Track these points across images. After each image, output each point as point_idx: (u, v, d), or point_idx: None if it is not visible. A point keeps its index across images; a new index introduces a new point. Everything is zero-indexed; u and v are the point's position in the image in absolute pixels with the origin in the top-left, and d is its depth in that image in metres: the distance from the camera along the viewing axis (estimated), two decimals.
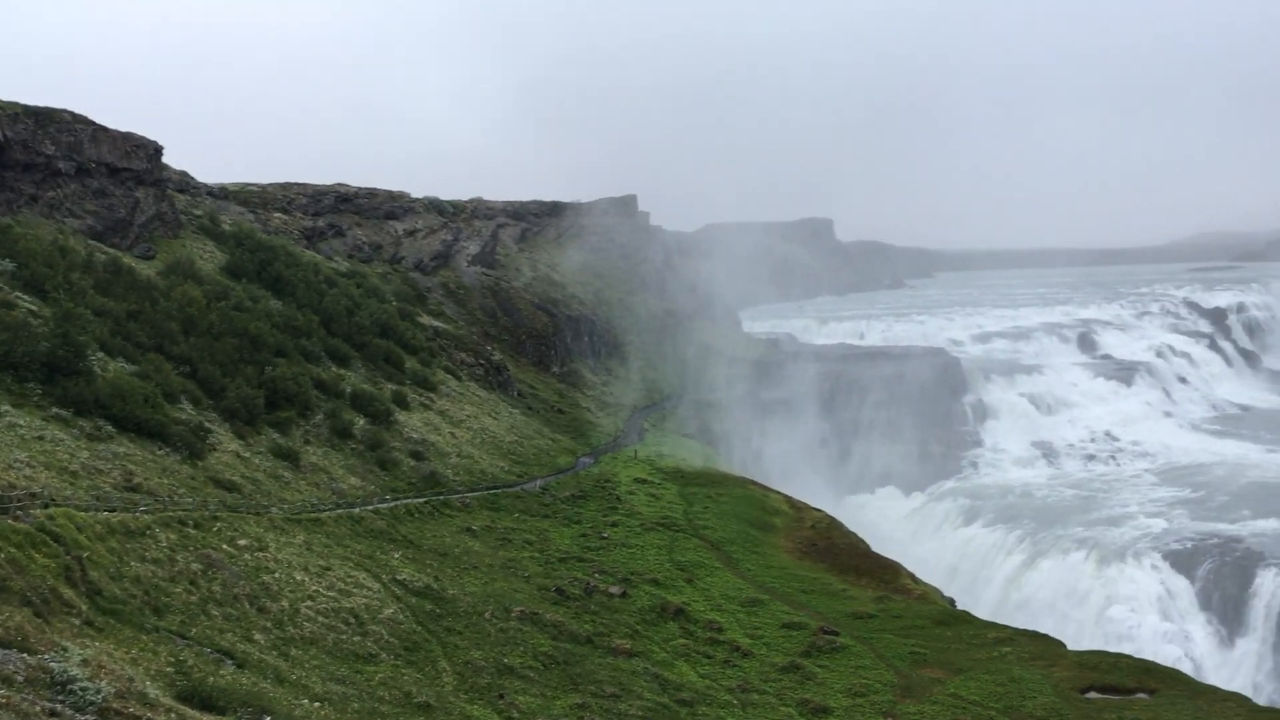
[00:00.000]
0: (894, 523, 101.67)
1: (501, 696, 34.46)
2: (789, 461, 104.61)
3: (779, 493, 75.76)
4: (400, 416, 64.85)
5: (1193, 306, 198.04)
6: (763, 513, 68.03)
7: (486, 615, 40.62)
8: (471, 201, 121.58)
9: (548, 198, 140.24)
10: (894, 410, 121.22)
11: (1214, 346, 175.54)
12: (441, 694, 33.48)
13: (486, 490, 60.85)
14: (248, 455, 50.14)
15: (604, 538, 56.83)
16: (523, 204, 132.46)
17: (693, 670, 41.48)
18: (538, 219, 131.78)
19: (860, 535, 67.78)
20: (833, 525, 67.55)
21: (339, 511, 47.97)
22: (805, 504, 73.29)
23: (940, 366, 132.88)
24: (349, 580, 39.41)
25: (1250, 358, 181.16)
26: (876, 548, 66.06)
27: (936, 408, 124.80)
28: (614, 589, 48.40)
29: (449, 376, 77.89)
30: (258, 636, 32.48)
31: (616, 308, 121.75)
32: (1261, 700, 63.53)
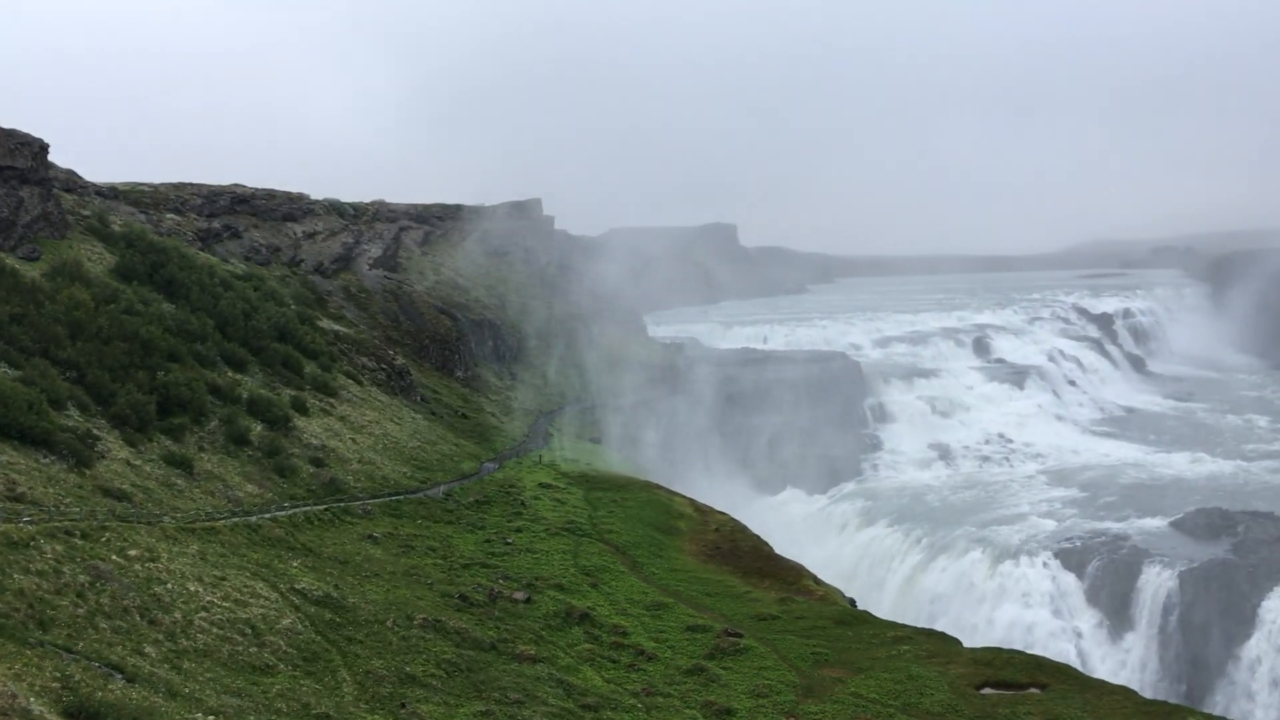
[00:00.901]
0: (797, 525, 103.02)
1: (403, 706, 33.99)
2: (694, 465, 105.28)
3: (684, 496, 76.12)
4: (300, 422, 63.56)
5: (1081, 312, 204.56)
6: (668, 516, 68.25)
7: (388, 623, 40.02)
8: (373, 204, 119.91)
9: (451, 200, 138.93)
10: (796, 413, 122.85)
11: (1102, 351, 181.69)
12: (341, 704, 32.89)
13: (389, 497, 59.97)
14: (138, 463, 48.65)
15: (508, 543, 56.45)
16: (426, 206, 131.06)
17: (597, 675, 41.42)
18: (441, 222, 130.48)
19: (764, 538, 68.36)
20: (737, 528, 68.06)
21: (235, 520, 46.79)
22: (710, 507, 73.73)
23: (841, 370, 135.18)
24: (245, 590, 38.47)
25: (1135, 362, 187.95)
26: (780, 550, 66.73)
27: (838, 411, 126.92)
28: (518, 595, 48.11)
29: (350, 381, 76.65)
30: (149, 649, 31.52)
31: (521, 312, 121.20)
32: (1147, 692, 65.83)
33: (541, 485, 70.31)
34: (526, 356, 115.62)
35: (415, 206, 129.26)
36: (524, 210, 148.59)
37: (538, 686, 38.14)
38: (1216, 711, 67.02)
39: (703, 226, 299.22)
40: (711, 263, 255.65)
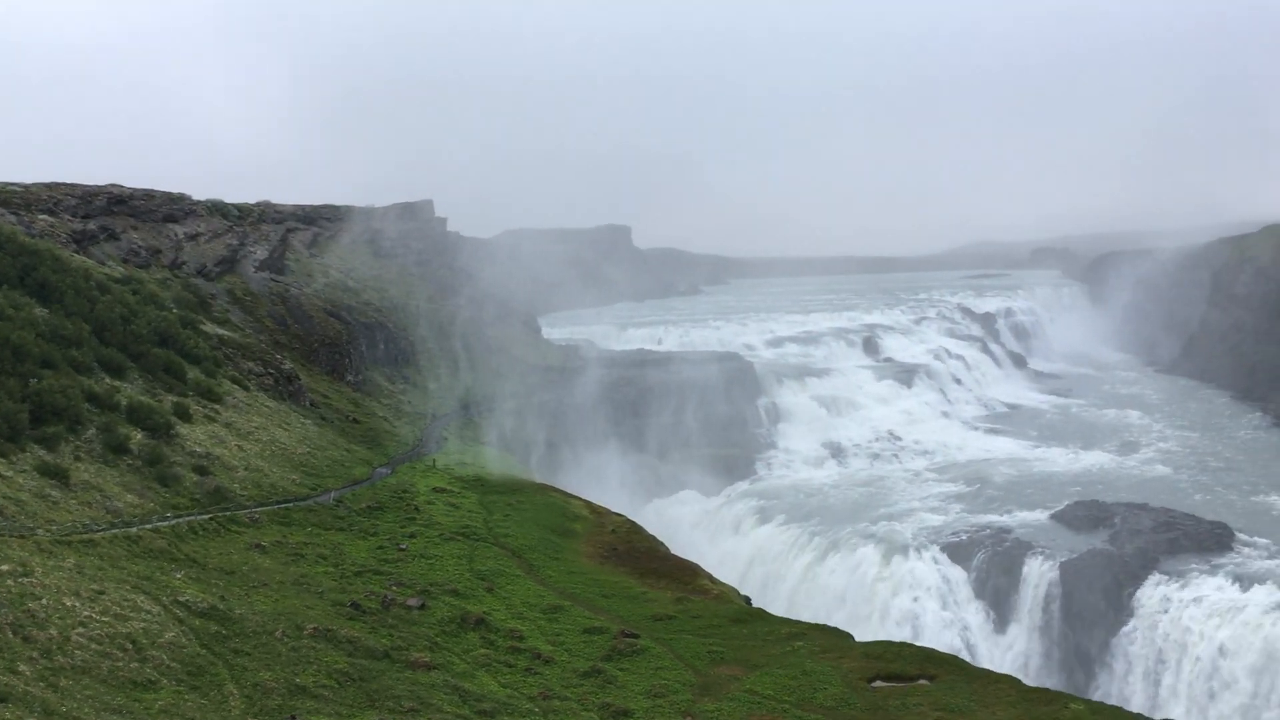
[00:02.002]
0: (693, 525, 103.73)
1: (294, 717, 33.20)
2: (589, 467, 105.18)
3: (580, 499, 76.04)
4: (182, 430, 61.61)
5: (966, 312, 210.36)
6: (563, 519, 68.07)
7: (277, 634, 39.02)
8: (259, 205, 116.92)
9: (341, 201, 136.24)
10: (691, 414, 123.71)
11: (985, 349, 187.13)
12: (228, 718, 31.97)
13: (277, 504, 58.53)
14: (10, 474, 46.58)
15: (402, 549, 55.59)
16: (314, 207, 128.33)
17: (494, 680, 41.04)
18: (330, 223, 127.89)
19: (660, 538, 68.72)
20: (633, 529, 68.21)
21: (114, 531, 45.15)
22: (606, 509, 73.78)
23: (735, 371, 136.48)
24: (125, 604, 37.14)
25: (1017, 359, 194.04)
26: (676, 550, 67.11)
27: (732, 411, 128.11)
28: (412, 601, 47.40)
29: (236, 387, 74.57)
30: (23, 668, 30.25)
31: (413, 315, 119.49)
32: (1030, 680, 67.83)
33: (435, 490, 69.43)
34: (420, 360, 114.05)
35: (302, 207, 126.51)
36: (415, 212, 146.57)
37: (433, 694, 37.61)
38: (1096, 697, 69.55)
39: (597, 228, 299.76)
40: (606, 265, 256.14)
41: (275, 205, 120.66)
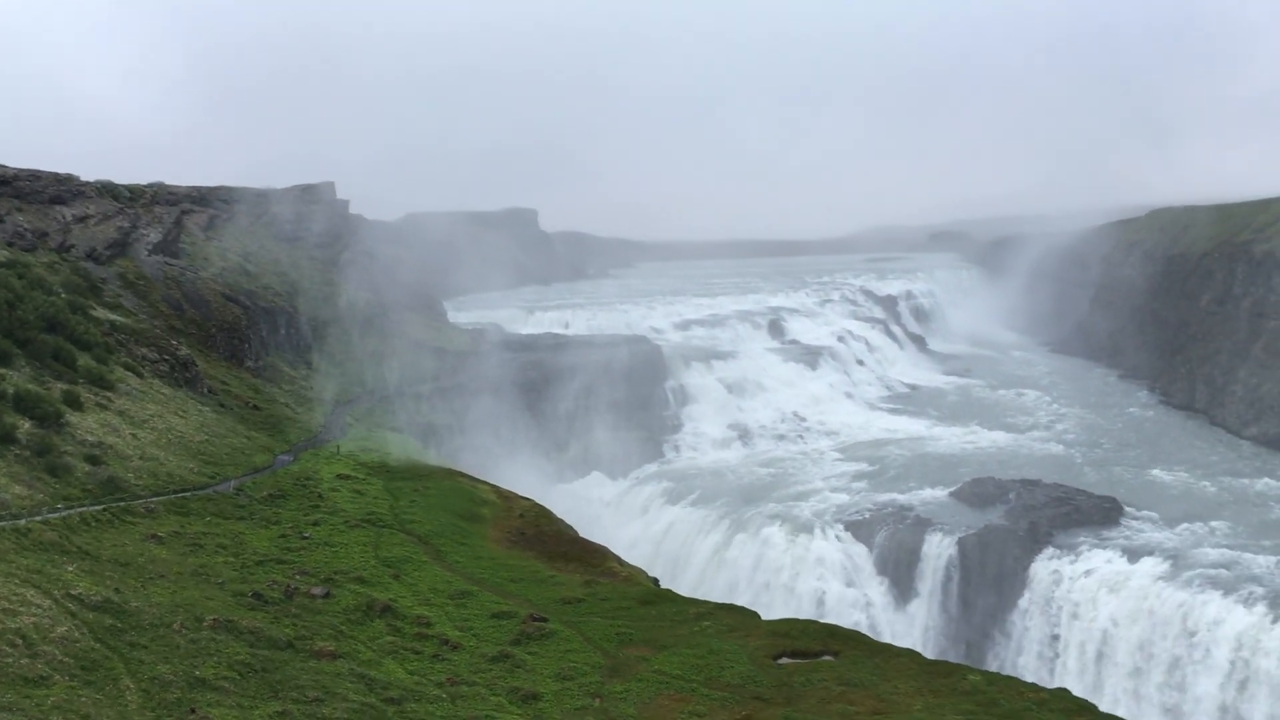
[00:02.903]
0: (602, 508, 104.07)
1: (193, 711, 32.47)
2: (497, 451, 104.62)
3: (488, 483, 75.56)
4: (73, 418, 59.58)
5: (868, 294, 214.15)
6: (471, 504, 67.59)
7: (175, 626, 38.08)
8: (152, 186, 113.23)
9: (238, 183, 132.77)
10: (599, 397, 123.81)
11: (887, 331, 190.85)
12: (125, 713, 31.15)
13: (174, 494, 56.99)
14: None
15: (305, 538, 54.63)
16: (210, 189, 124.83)
17: (401, 667, 40.65)
18: (227, 205, 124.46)
19: (569, 522, 68.72)
20: (541, 514, 68.06)
21: (1, 524, 43.53)
22: (514, 493, 73.46)
23: (643, 354, 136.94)
24: (14, 598, 35.87)
25: (918, 341, 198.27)
26: (585, 533, 67.22)
27: (640, 394, 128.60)
28: (316, 590, 46.64)
29: (129, 374, 72.32)
30: None
31: (315, 299, 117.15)
32: (930, 653, 69.66)
33: (340, 477, 68.37)
34: (322, 345, 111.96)
35: (198, 189, 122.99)
36: (316, 194, 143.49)
37: (338, 683, 37.12)
38: (993, 668, 71.67)
39: (504, 211, 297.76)
40: (513, 248, 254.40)
41: (169, 186, 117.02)
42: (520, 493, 75.14)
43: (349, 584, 48.56)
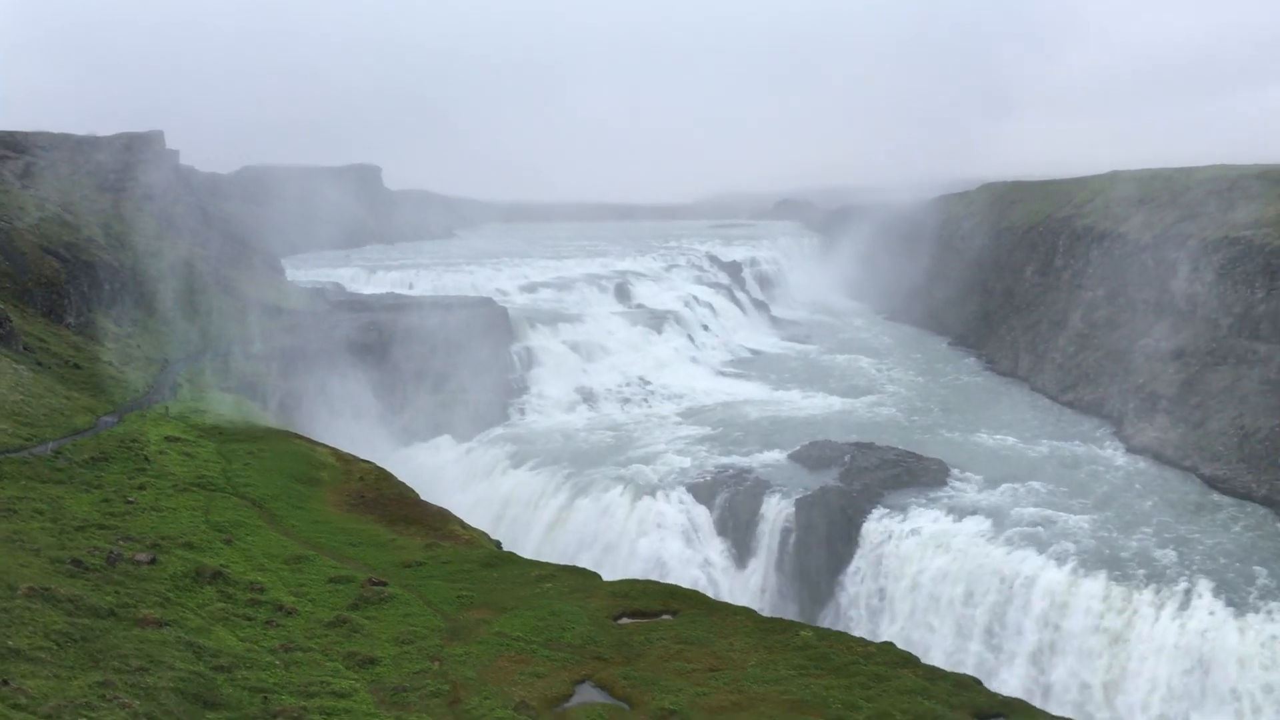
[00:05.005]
0: (445, 471, 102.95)
1: (5, 683, 30.76)
2: (338, 413, 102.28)
3: (326, 446, 73.79)
4: None
5: (714, 260, 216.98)
6: (308, 467, 65.92)
7: None
8: None
9: (58, 129, 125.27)
10: (444, 360, 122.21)
11: (731, 297, 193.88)
12: None
13: None
14: None
15: (130, 502, 52.29)
16: (26, 135, 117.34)
17: (232, 634, 39.45)
18: (45, 152, 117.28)
19: (411, 485, 67.71)
20: (382, 476, 66.91)
21: None
22: (354, 456, 71.99)
23: (489, 316, 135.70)
24: None
25: (761, 307, 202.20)
26: (428, 497, 66.41)
27: (485, 356, 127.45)
28: (141, 556, 44.73)
29: None
30: None
31: (142, 254, 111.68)
32: (767, 611, 71.71)
33: (168, 439, 65.66)
34: (150, 302, 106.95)
35: (12, 134, 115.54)
36: (144, 143, 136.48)
37: (164, 651, 35.76)
38: (826, 624, 74.26)
39: (345, 167, 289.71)
40: (354, 205, 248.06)
41: None
42: (361, 455, 73.67)
43: (177, 550, 46.77)
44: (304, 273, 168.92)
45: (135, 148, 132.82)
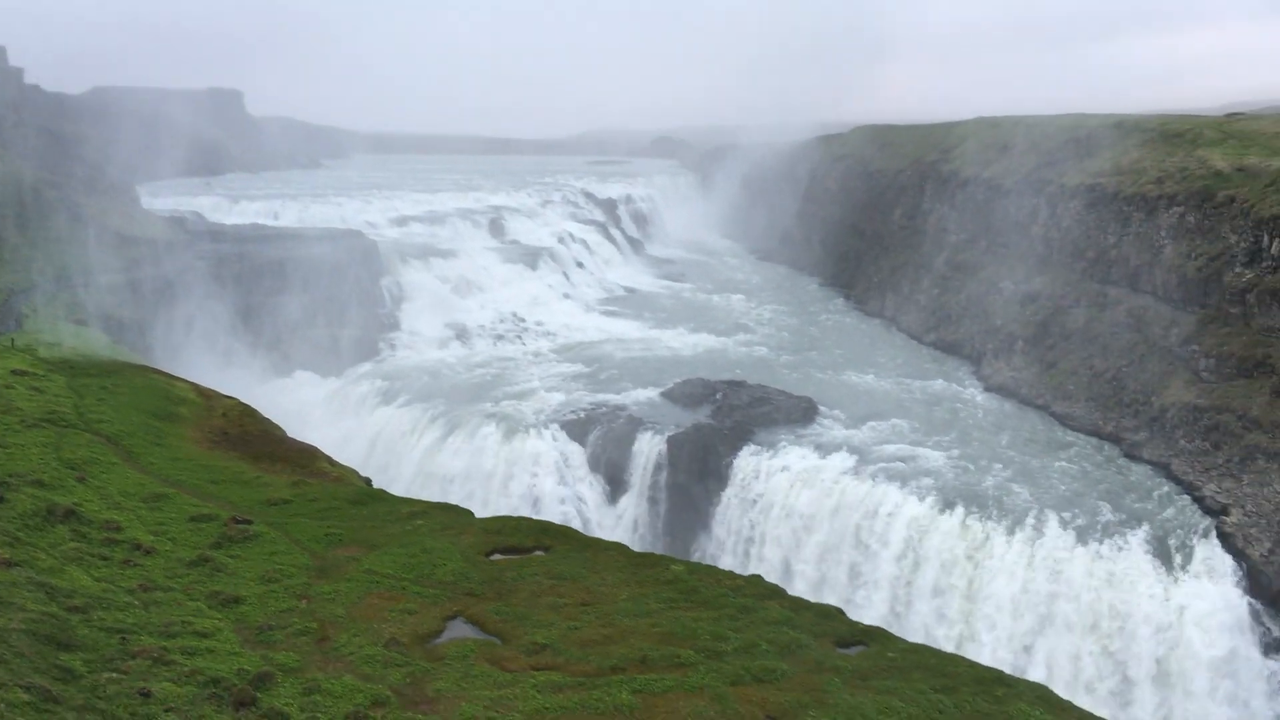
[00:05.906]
0: (313, 407, 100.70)
1: None
2: (199, 348, 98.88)
3: (186, 381, 71.21)
4: None
5: (589, 197, 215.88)
6: (167, 403, 63.53)
7: None
8: None
9: None
10: (311, 293, 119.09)
11: (606, 235, 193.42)
12: None
13: None
14: None
15: None
16: None
17: (86, 574, 37.94)
18: None
19: (277, 422, 65.96)
20: (246, 412, 64.94)
21: None
22: (216, 392, 69.63)
23: (358, 249, 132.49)
24: None
25: (636, 245, 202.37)
26: (295, 433, 64.83)
27: (354, 290, 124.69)
28: None
29: None
30: None
31: None
32: (639, 547, 72.64)
33: (15, 373, 62.38)
34: None
35: None
36: None
37: (13, 592, 34.18)
38: (696, 558, 75.60)
39: (205, 90, 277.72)
40: (215, 131, 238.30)
41: None
42: (224, 391, 71.33)
43: (26, 488, 44.61)
44: (161, 201, 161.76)
45: None
